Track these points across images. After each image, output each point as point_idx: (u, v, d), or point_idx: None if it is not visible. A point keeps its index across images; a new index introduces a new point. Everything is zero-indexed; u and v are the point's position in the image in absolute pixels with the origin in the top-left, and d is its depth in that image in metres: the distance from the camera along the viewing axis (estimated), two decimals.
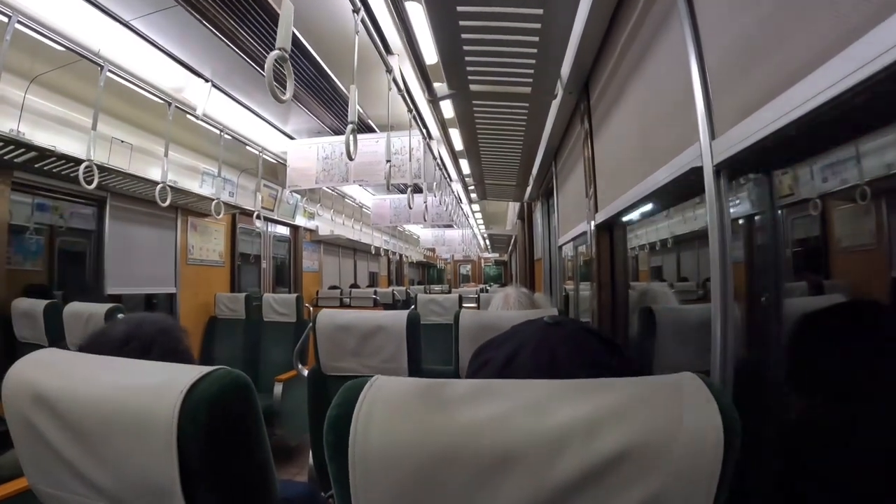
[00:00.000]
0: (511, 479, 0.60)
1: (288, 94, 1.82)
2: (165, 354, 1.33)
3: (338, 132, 5.61)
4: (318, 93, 4.55)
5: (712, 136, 1.38)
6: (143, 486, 0.81)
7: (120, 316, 2.97)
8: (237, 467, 0.87)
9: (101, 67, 3.44)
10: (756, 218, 1.56)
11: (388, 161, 3.49)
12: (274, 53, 1.71)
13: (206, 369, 0.85)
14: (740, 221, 1.60)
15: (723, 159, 1.31)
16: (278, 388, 4.71)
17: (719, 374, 1.38)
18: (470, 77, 2.84)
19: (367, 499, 0.63)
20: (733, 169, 1.37)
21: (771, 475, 1.41)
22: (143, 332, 1.35)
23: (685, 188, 1.68)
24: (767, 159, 1.42)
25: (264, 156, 5.89)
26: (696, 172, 1.45)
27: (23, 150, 3.38)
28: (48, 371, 0.95)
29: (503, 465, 0.60)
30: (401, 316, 2.40)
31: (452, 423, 0.62)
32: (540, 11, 2.12)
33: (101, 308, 3.14)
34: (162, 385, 0.83)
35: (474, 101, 3.22)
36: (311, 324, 2.50)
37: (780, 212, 1.50)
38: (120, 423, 0.82)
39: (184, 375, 0.83)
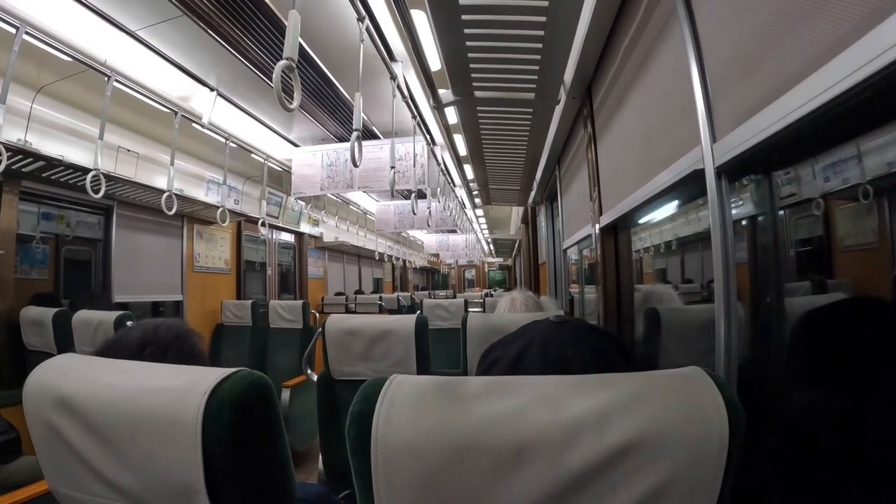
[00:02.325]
0: (527, 469, 0.62)
1: (295, 103, 1.83)
2: (181, 359, 1.34)
3: (342, 139, 5.62)
4: (323, 100, 4.57)
5: (713, 139, 1.40)
6: (167, 485, 0.83)
7: (129, 323, 3.00)
8: (259, 466, 0.89)
9: (108, 77, 3.46)
10: (757, 218, 1.57)
11: (392, 167, 3.51)
12: (281, 63, 1.72)
13: (227, 371, 0.87)
14: (743, 222, 1.61)
15: (724, 162, 1.34)
16: (285, 394, 4.72)
17: (724, 372, 1.40)
18: (474, 83, 2.86)
19: (389, 490, 0.66)
20: (734, 171, 1.39)
21: (775, 469, 1.43)
22: (159, 338, 1.36)
23: (688, 190, 1.70)
24: (768, 161, 1.43)
25: (269, 163, 5.90)
26: (698, 175, 1.48)
27: (31, 159, 3.41)
28: (70, 375, 0.96)
29: (519, 456, 0.62)
30: (409, 320, 2.41)
31: (469, 417, 0.65)
32: (543, 19, 2.14)
33: (111, 316, 3.14)
34: (185, 387, 0.84)
35: (478, 108, 3.23)
36: (318, 329, 2.51)
37: (781, 212, 1.51)
38: (144, 424, 0.84)
39: (206, 377, 0.85)
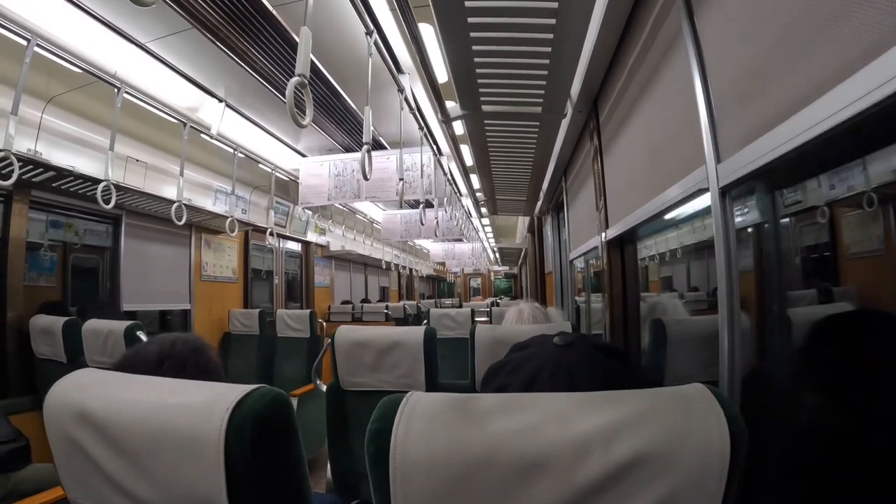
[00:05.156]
0: (539, 483, 0.65)
1: (307, 119, 1.84)
2: (198, 373, 1.37)
3: (349, 149, 5.64)
4: (331, 112, 4.59)
5: (718, 159, 1.42)
6: (189, 499, 0.85)
7: (139, 333, 3.02)
8: (279, 480, 0.91)
9: (118, 88, 3.48)
10: (761, 232, 1.59)
11: (400, 179, 3.52)
12: (294, 80, 1.73)
13: (248, 388, 0.89)
14: (748, 230, 1.63)
15: (728, 182, 1.35)
16: (293, 403, 4.68)
17: (727, 384, 1.41)
18: (482, 97, 2.88)
19: (406, 503, 0.68)
20: (738, 190, 1.40)
21: (778, 484, 1.44)
22: (176, 352, 1.38)
23: (694, 203, 1.71)
24: (771, 180, 1.45)
25: (277, 173, 5.94)
26: (704, 194, 1.49)
27: (41, 169, 3.45)
28: (91, 391, 0.98)
29: (532, 471, 0.65)
30: (417, 332, 2.42)
31: (484, 434, 0.67)
32: (550, 36, 2.17)
33: (121, 325, 3.14)
34: (207, 403, 0.86)
35: (486, 121, 3.24)
36: (328, 340, 2.53)
37: (785, 220, 1.53)
38: (167, 439, 0.86)
39: (228, 394, 0.87)
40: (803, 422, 1.48)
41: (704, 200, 1.53)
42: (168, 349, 1.38)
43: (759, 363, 1.58)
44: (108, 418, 0.91)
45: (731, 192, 1.41)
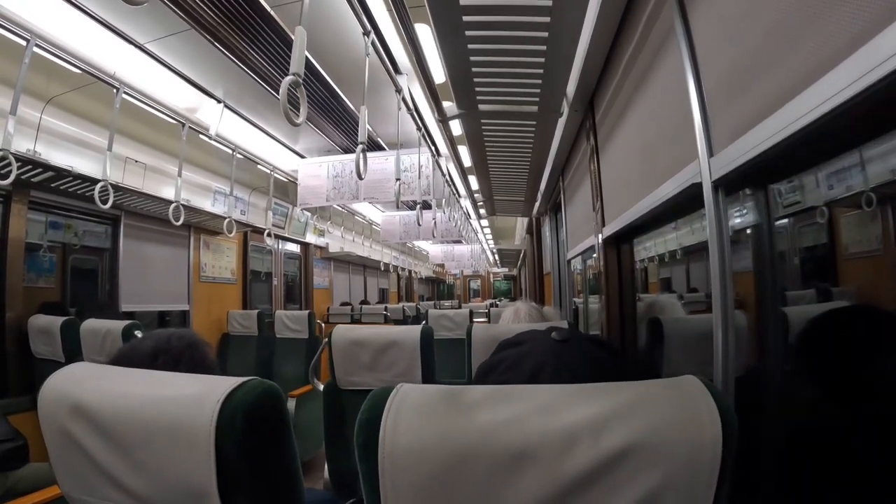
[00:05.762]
0: (527, 473, 0.65)
1: (301, 118, 1.85)
2: (193, 368, 1.37)
3: (348, 150, 5.65)
4: (329, 113, 4.60)
5: (710, 153, 1.42)
6: (180, 491, 0.85)
7: (137, 332, 3.02)
8: (269, 473, 0.91)
9: (117, 89, 3.49)
10: (754, 229, 1.59)
11: (397, 179, 3.53)
12: (288, 79, 1.75)
13: (239, 380, 0.89)
14: (747, 231, 1.63)
15: (720, 175, 1.35)
16: (291, 404, 4.67)
17: (721, 381, 1.41)
18: (478, 97, 2.88)
19: (395, 494, 0.68)
20: (731, 184, 1.40)
21: (774, 479, 1.44)
22: (171, 347, 1.39)
23: (689, 202, 1.71)
24: (764, 174, 1.45)
25: (275, 174, 5.93)
26: (696, 189, 1.49)
27: (40, 170, 3.46)
28: (85, 384, 0.98)
29: (519, 462, 0.65)
30: (414, 331, 2.43)
31: (472, 424, 0.67)
32: (545, 34, 2.17)
33: (118, 325, 3.14)
34: (199, 395, 0.87)
35: (483, 120, 3.25)
36: (325, 340, 2.53)
37: (782, 220, 1.53)
38: (159, 431, 0.86)
39: (219, 386, 0.87)
40: (800, 420, 1.48)
41: (699, 199, 1.53)
42: (163, 344, 1.39)
43: (755, 361, 1.58)
44: (101, 411, 0.92)
45: (723, 187, 1.41)
